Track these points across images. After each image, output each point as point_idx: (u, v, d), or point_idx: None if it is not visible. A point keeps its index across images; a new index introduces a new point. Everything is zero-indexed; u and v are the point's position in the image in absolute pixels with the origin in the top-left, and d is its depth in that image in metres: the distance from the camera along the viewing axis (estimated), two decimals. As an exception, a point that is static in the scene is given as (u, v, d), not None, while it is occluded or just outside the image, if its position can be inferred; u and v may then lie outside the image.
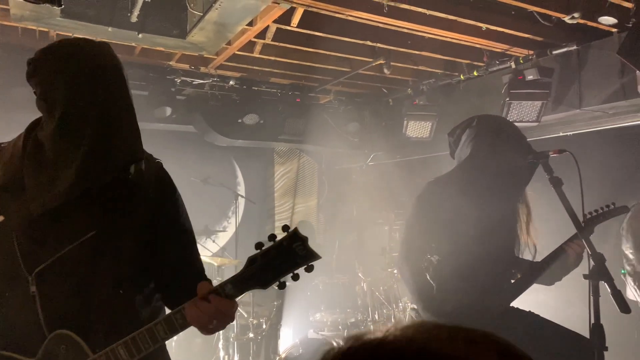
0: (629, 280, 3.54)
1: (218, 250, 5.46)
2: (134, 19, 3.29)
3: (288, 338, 4.32)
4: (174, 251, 1.45)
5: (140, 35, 3.40)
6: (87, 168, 1.28)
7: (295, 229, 1.24)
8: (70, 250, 1.30)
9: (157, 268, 1.43)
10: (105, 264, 1.34)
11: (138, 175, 1.38)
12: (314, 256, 1.23)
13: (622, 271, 3.55)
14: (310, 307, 4.39)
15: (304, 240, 1.23)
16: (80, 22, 3.25)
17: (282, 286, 1.26)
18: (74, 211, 1.33)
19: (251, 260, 1.25)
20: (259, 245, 1.25)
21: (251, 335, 4.04)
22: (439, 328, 0.53)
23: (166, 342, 4.28)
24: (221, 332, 4.19)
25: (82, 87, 1.29)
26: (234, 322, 4.10)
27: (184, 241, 1.50)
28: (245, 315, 4.14)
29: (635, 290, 3.50)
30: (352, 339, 0.54)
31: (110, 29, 3.33)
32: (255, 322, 4.08)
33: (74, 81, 1.29)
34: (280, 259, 1.22)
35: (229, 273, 5.15)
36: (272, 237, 1.24)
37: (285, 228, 1.25)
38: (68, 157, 1.28)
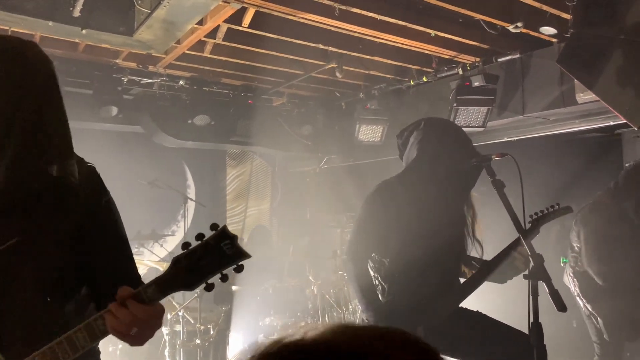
0: (568, 269, 3.68)
1: (166, 255, 5.32)
2: (76, 13, 3.16)
3: (238, 344, 4.24)
4: (105, 259, 1.36)
5: (83, 31, 3.28)
6: (13, 173, 1.22)
7: (224, 227, 1.18)
8: None
9: (89, 277, 1.35)
10: (28, 272, 1.24)
11: (67, 178, 1.31)
12: (243, 255, 1.17)
13: (564, 260, 3.68)
14: (260, 312, 4.33)
15: (232, 238, 1.17)
16: (18, 16, 3.09)
17: (209, 288, 1.18)
18: None
19: (175, 261, 1.18)
20: (185, 245, 1.18)
21: (198, 341, 3.93)
22: (349, 327, 0.56)
23: (110, 348, 4.01)
24: (167, 338, 4.07)
25: (8, 88, 1.24)
26: (180, 329, 3.99)
27: (116, 248, 1.40)
28: (192, 322, 4.03)
29: (572, 279, 3.66)
30: (272, 343, 0.57)
31: (51, 23, 3.19)
32: (202, 328, 3.97)
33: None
34: (207, 259, 1.16)
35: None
36: (199, 236, 1.18)
37: (213, 227, 1.18)
38: None
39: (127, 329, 1.17)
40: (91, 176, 1.41)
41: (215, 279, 1.19)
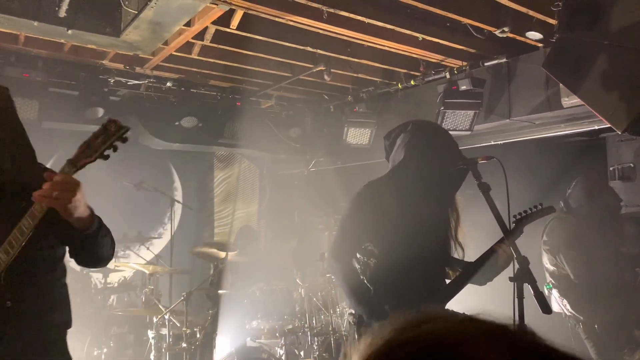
0: (554, 293, 3.74)
1: (152, 258, 5.27)
2: (62, 13, 3.13)
3: (225, 347, 4.22)
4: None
5: (69, 32, 3.24)
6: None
7: (110, 120, 1.69)
8: None
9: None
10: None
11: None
12: (124, 128, 1.70)
13: (547, 286, 3.74)
14: (247, 315, 4.30)
15: (115, 122, 1.70)
16: (3, 15, 3.06)
17: (105, 157, 1.68)
18: None
19: (81, 146, 1.68)
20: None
21: (184, 345, 3.90)
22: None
23: (95, 352, 4.36)
24: (153, 342, 4.03)
25: None
26: (167, 332, 3.96)
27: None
28: (179, 325, 4.00)
29: (561, 301, 3.70)
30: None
31: (36, 23, 3.15)
32: (188, 331, 3.94)
33: None
34: (101, 137, 1.66)
35: (162, 281, 5.00)
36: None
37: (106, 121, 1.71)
38: None
39: (49, 193, 1.59)
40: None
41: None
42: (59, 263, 1.89)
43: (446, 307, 2.44)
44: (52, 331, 1.84)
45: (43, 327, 1.80)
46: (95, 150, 1.65)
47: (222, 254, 4.24)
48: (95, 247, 1.81)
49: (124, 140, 1.68)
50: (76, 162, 1.65)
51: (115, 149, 1.68)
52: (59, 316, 1.86)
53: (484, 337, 0.53)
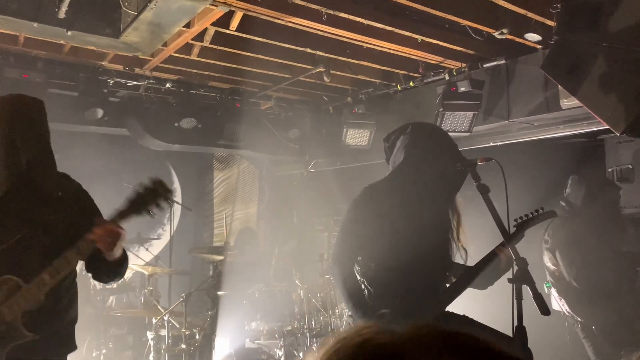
0: (553, 292, 3.74)
1: (152, 259, 5.26)
2: (61, 14, 3.14)
3: (224, 348, 4.22)
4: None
5: (69, 33, 3.25)
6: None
7: (159, 181, 1.93)
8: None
9: None
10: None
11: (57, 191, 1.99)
12: (170, 192, 1.94)
13: (547, 284, 3.75)
14: (246, 316, 4.30)
15: (162, 183, 1.93)
16: (2, 16, 3.06)
17: (151, 215, 1.93)
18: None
19: (129, 199, 1.93)
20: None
21: (183, 346, 3.90)
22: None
23: (94, 354, 4.52)
24: (152, 343, 4.03)
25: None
26: (166, 334, 3.96)
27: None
28: (178, 326, 3.99)
29: (560, 300, 3.70)
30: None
31: (35, 24, 3.16)
32: (187, 332, 3.94)
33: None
34: (149, 197, 1.90)
35: (161, 282, 5.01)
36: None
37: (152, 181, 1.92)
38: None
39: (100, 237, 1.85)
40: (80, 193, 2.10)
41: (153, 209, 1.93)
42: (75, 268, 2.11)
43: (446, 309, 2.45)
44: (67, 326, 2.11)
45: (61, 324, 2.05)
46: (143, 207, 1.88)
47: (221, 257, 4.24)
48: (114, 271, 2.13)
49: (170, 201, 1.92)
50: (125, 214, 1.90)
51: (161, 209, 1.91)
52: (73, 312, 2.12)
53: (416, 339, 0.54)
